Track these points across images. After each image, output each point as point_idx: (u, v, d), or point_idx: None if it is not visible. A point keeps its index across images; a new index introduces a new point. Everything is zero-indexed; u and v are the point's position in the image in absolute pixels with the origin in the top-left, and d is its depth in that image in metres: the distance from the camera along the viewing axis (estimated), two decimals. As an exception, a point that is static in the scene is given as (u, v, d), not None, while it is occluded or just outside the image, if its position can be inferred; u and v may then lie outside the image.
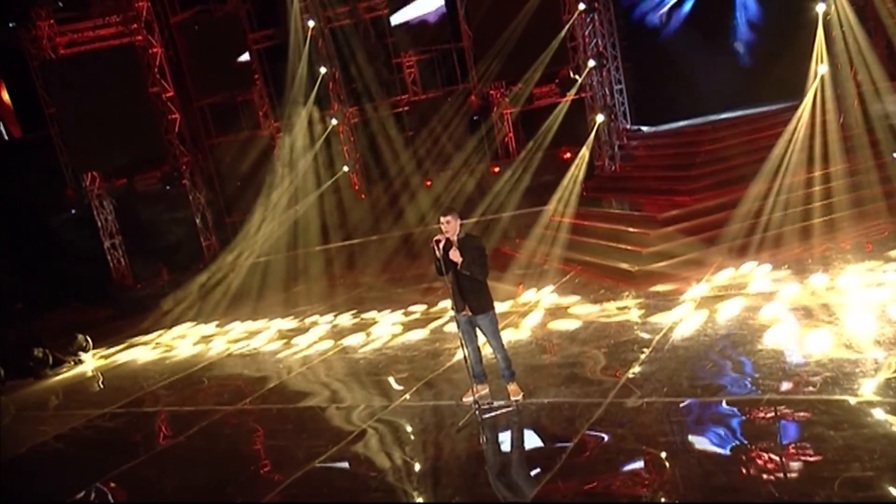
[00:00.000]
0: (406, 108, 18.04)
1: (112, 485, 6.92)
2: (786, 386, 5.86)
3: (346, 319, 11.49)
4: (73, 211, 16.75)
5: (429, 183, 17.25)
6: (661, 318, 8.37)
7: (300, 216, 16.59)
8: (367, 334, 10.58)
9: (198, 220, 18.19)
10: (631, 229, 11.34)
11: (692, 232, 10.68)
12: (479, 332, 6.78)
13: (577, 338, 8.48)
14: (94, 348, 13.13)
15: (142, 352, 12.54)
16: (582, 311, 9.19)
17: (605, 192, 13.85)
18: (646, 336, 7.99)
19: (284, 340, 11.19)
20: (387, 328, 10.42)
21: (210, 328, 13.37)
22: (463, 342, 6.75)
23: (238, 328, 12.82)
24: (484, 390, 7.04)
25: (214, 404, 8.79)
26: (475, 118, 17.01)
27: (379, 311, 11.53)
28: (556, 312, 9.34)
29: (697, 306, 8.68)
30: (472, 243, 6.46)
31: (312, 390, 8.60)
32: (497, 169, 16.69)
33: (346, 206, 17.09)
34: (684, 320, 8.09)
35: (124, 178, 16.86)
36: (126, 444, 8.10)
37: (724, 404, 5.88)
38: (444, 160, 16.76)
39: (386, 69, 17.10)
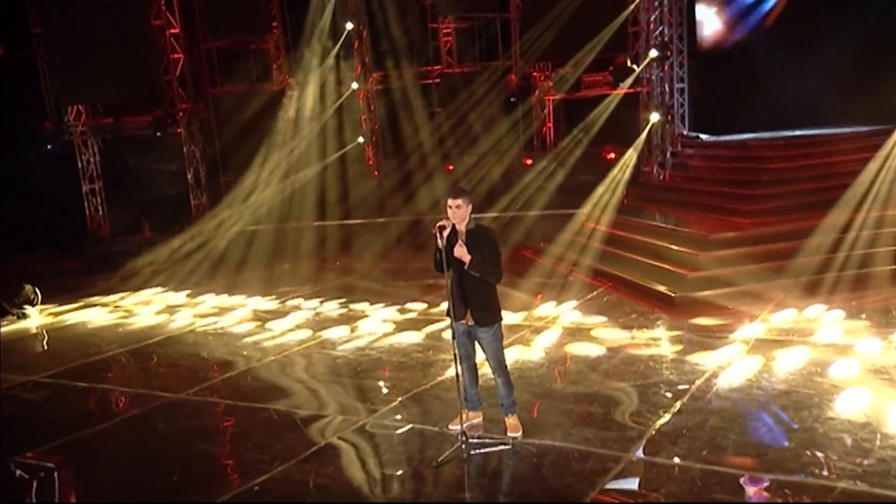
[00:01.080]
0: (436, 80, 17.15)
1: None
2: (867, 472, 4.94)
3: (332, 308, 11.05)
4: (49, 146, 15.88)
5: (451, 167, 16.37)
6: (704, 359, 7.55)
7: (299, 186, 15.79)
8: (353, 329, 9.73)
9: (189, 176, 17.41)
10: (676, 248, 10.43)
11: (750, 260, 9.75)
12: (478, 348, 6.11)
13: (599, 368, 7.48)
14: (47, 303, 12.54)
15: (97, 314, 11.96)
16: (607, 336, 8.54)
17: (649, 202, 13.23)
18: (683, 378, 7.09)
19: (258, 323, 10.54)
20: (376, 325, 9.82)
21: (180, 297, 12.81)
22: (457, 357, 5.95)
23: (210, 301, 12.16)
24: (476, 419, 6.38)
25: (157, 388, 7.95)
26: (512, 99, 16.12)
27: (371, 303, 11.04)
28: (577, 333, 8.72)
29: (750, 350, 7.66)
30: (485, 237, 5.72)
31: (274, 388, 7.79)
32: (530, 161, 15.94)
33: (352, 181, 16.39)
34: (732, 365, 7.28)
35: (111, 117, 15.95)
36: (37, 424, 7.17)
37: (782, 487, 4.83)
38: (471, 143, 16.02)
39: (417, 29, 16.10)
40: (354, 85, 17.47)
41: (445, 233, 5.79)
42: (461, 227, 5.68)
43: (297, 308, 11.27)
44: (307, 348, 9.20)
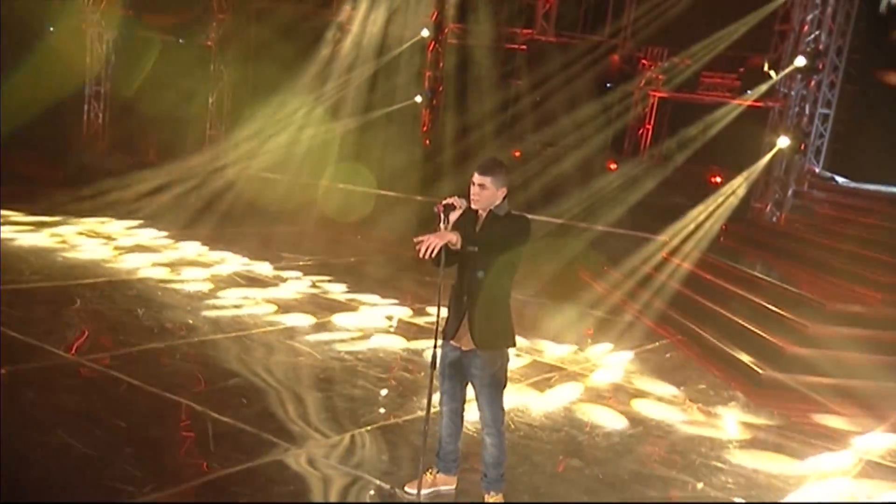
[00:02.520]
0: (522, 47, 15.95)
1: None
2: None
3: (325, 290, 10.26)
4: (51, 28, 15.12)
5: (518, 153, 15.16)
6: (792, 466, 6.33)
7: (331, 137, 15.11)
8: (326, 323, 8.49)
9: (211, 100, 16.56)
10: (778, 310, 9.19)
11: (877, 348, 8.48)
12: (470, 386, 4.97)
13: (637, 449, 6.38)
14: None
15: (43, 235, 11.19)
16: (658, 407, 7.43)
17: (752, 246, 12.24)
18: (750, 494, 5.76)
19: (230, 287, 9.67)
20: (365, 321, 8.99)
21: (152, 237, 12.08)
22: (435, 393, 4.79)
23: (186, 250, 11.37)
24: (446, 485, 5.23)
25: (56, 344, 6.92)
26: (608, 85, 14.88)
27: (374, 293, 10.24)
28: (620, 392, 7.71)
29: (859, 473, 6.35)
30: (514, 224, 4.76)
31: (202, 377, 6.72)
32: (614, 165, 14.57)
33: (395, 144, 15.54)
34: (834, 488, 6.00)
35: (132, 10, 15.12)
36: None
37: None
38: (548, 127, 15.06)
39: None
40: (424, 32, 16.44)
41: (453, 216, 4.67)
42: (482, 211, 4.79)
43: (284, 281, 10.38)
44: (271, 334, 8.06)
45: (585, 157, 14.38)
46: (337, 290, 10.20)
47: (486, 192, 4.68)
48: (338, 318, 8.94)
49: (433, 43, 16.76)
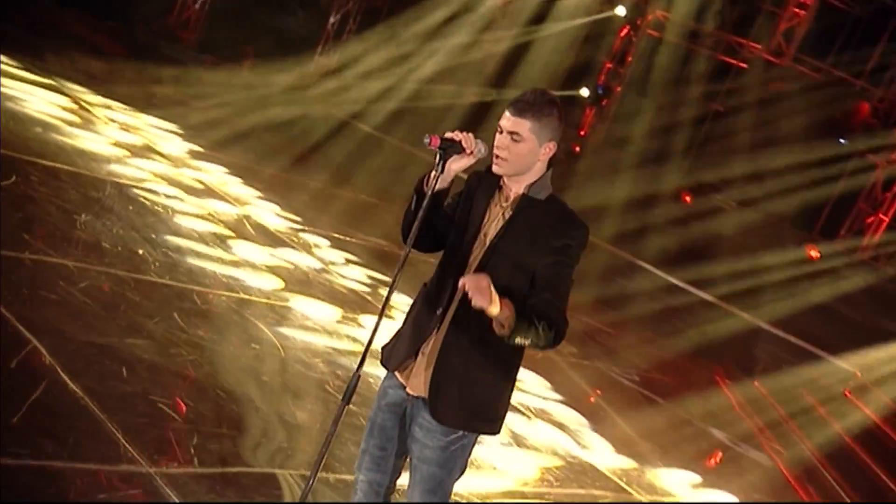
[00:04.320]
0: (743, 64, 14.92)
1: None
2: None
3: (334, 272, 9.25)
4: None
5: (688, 197, 13.87)
6: None
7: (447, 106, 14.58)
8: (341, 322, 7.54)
9: (332, 19, 16.16)
10: None
11: None
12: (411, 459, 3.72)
13: None
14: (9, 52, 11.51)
15: (47, 103, 10.58)
16: None
17: None
18: None
19: (224, 233, 8.78)
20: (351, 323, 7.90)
21: (174, 145, 11.48)
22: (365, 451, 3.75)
23: (201, 173, 10.63)
24: None
25: None
26: (841, 140, 13.34)
27: (394, 290, 8.52)
28: None
29: None
30: (565, 228, 3.53)
31: (91, 322, 5.73)
32: (816, 254, 13.07)
33: None
34: None
35: None
36: None
37: None
38: (735, 169, 14.19)
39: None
40: (620, 10, 15.31)
41: (456, 164, 3.51)
42: (511, 187, 3.58)
43: (292, 245, 9.39)
44: (229, 303, 6.95)
45: (769, 221, 13.56)
46: (345, 271, 9.28)
47: (522, 148, 3.47)
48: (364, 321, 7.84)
49: (627, 27, 15.52)
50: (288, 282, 8.03)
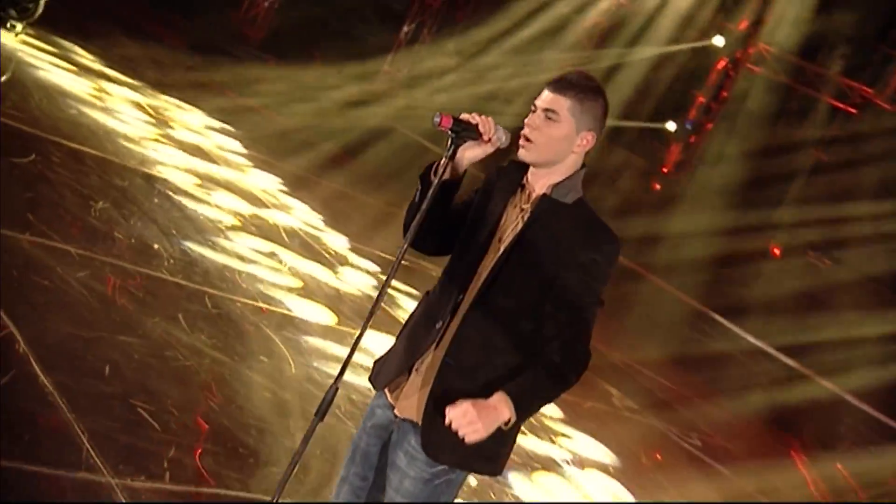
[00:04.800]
0: (852, 109, 14.28)
1: None
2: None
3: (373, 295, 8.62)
4: None
5: (777, 250, 13.35)
6: None
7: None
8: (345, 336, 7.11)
9: (406, 28, 15.93)
10: None
11: None
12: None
13: None
14: (65, 33, 11.77)
15: (79, 81, 10.64)
16: None
17: None
18: None
19: (257, 236, 8.61)
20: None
21: (223, 146, 11.40)
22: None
23: (251, 178, 10.63)
24: None
25: None
26: None
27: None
28: None
29: None
30: (594, 242, 3.17)
31: (82, 313, 5.51)
32: None
33: (610, 172, 14.51)
34: None
35: None
36: None
37: None
38: (837, 229, 13.60)
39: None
40: (719, 41, 14.84)
41: (469, 151, 3.19)
42: (534, 185, 3.24)
43: (331, 261, 9.17)
44: (244, 310, 6.79)
45: (865, 282, 13.07)
46: (406, 305, 8.75)
47: (556, 130, 3.14)
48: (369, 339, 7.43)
49: (725, 60, 15.06)
50: (317, 297, 7.77)
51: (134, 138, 9.44)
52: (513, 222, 3.19)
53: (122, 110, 10.34)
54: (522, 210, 3.19)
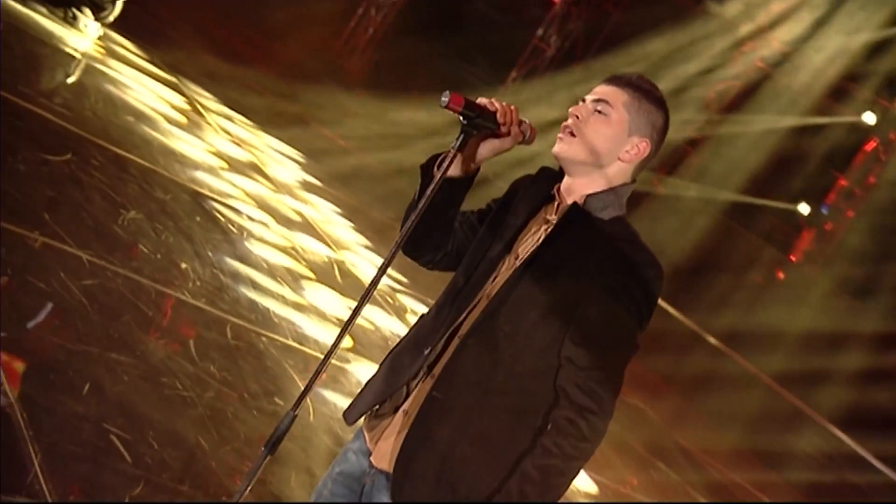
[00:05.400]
0: None
1: None
2: None
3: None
4: None
5: None
6: None
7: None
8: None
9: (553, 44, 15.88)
10: None
11: None
12: None
13: None
14: (136, 35, 11.88)
15: (157, 99, 10.62)
16: None
17: None
18: None
19: (301, 271, 8.38)
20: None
21: (287, 172, 11.40)
22: None
23: (309, 209, 10.44)
24: None
25: None
26: None
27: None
28: None
29: None
30: (631, 269, 2.78)
31: (76, 324, 5.32)
32: None
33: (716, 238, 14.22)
34: None
35: None
36: None
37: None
38: None
39: None
40: (869, 118, 14.33)
41: (484, 147, 2.90)
42: (566, 196, 2.89)
43: (382, 305, 8.88)
44: (269, 346, 6.57)
45: None
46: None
47: (604, 125, 2.83)
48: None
49: (875, 141, 14.49)
50: (358, 343, 7.47)
51: (193, 156, 9.37)
52: (534, 237, 2.83)
53: (187, 126, 10.33)
54: (548, 223, 2.83)
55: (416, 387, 2.84)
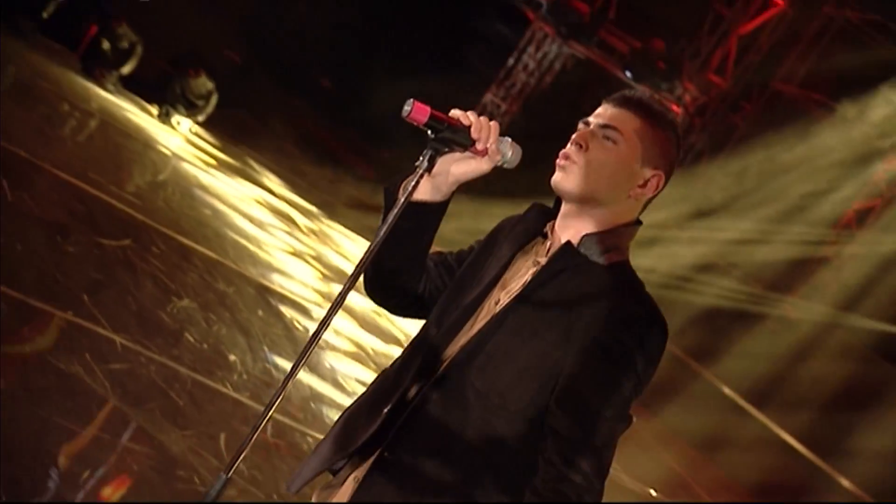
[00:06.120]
0: None
1: None
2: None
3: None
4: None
5: None
6: None
7: None
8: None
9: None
10: None
11: None
12: None
13: None
14: (228, 136, 12.06)
15: (243, 199, 10.59)
16: None
17: None
18: None
19: (367, 376, 7.82)
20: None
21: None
22: None
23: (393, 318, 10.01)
24: None
25: None
26: None
27: None
28: None
29: None
30: (628, 323, 2.36)
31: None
32: None
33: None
34: None
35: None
36: None
37: None
38: None
39: None
40: None
41: (456, 167, 2.48)
42: (560, 235, 2.48)
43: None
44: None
45: None
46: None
47: (611, 153, 2.42)
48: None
49: None
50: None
51: (269, 252, 9.28)
52: (519, 280, 2.39)
53: (270, 223, 10.27)
54: (537, 265, 2.38)
55: (371, 451, 2.42)
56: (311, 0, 16.80)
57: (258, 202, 10.66)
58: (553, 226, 2.45)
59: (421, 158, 2.31)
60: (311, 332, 2.97)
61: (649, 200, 2.44)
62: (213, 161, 11.06)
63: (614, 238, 2.38)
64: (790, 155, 14.50)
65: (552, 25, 14.79)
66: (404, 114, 2.29)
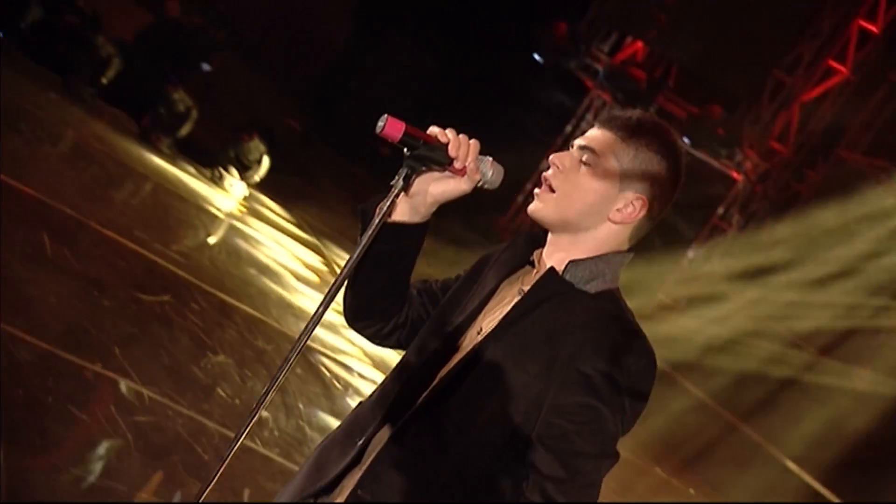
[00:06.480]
0: None
1: None
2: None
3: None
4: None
5: None
6: None
7: None
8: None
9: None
10: None
11: None
12: None
13: None
14: (282, 196, 11.93)
15: (290, 258, 10.66)
16: None
17: None
18: None
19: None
20: None
21: None
22: None
23: None
24: None
25: None
26: None
27: None
28: None
29: None
30: (614, 354, 2.23)
31: None
32: None
33: None
34: None
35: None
36: None
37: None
38: None
39: None
40: None
41: (435, 186, 2.40)
42: (546, 262, 2.40)
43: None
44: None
45: None
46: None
47: (590, 178, 2.32)
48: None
49: None
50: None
51: (313, 310, 9.14)
52: (503, 309, 2.29)
53: (318, 284, 10.22)
54: (522, 292, 2.28)
55: (341, 481, 2.36)
56: (375, 69, 17.01)
57: (305, 264, 10.66)
58: (541, 254, 2.35)
59: (396, 177, 2.23)
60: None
61: (641, 226, 2.33)
62: (264, 223, 11.09)
63: (601, 265, 2.29)
64: (853, 220, 14.31)
65: (609, 92, 14.77)
66: (378, 129, 2.22)
